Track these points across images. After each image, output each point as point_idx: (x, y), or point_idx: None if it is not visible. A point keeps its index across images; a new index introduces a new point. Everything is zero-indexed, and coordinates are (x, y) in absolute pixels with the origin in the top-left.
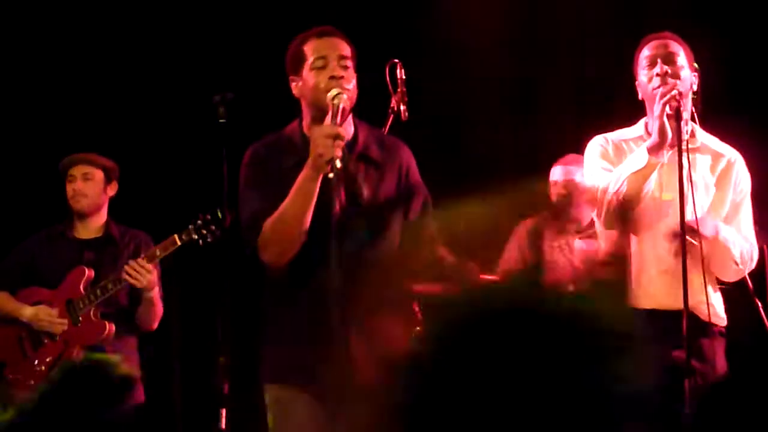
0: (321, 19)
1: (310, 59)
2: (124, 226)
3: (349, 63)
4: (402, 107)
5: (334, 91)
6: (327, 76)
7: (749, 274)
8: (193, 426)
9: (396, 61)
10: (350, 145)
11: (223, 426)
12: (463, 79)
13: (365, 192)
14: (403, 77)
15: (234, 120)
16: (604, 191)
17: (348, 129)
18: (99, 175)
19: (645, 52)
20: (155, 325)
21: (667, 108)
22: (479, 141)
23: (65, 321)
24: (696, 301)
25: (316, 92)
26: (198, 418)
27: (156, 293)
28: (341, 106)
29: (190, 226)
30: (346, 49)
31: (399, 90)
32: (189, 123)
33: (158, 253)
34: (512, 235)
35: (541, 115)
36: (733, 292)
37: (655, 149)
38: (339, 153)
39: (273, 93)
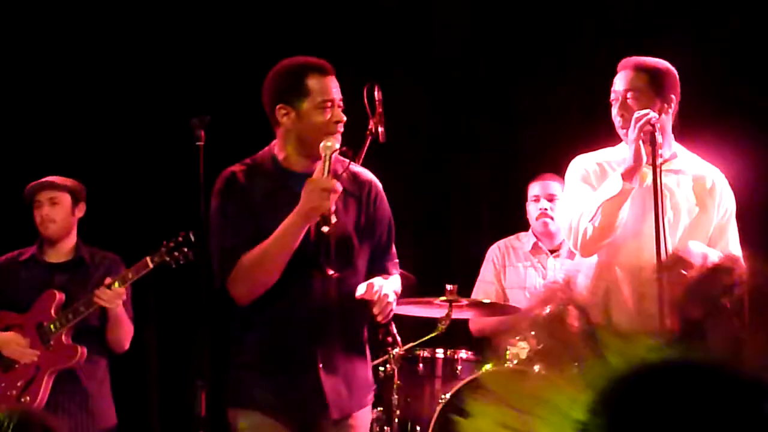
0: (298, 42)
1: (316, 98)
2: (94, 247)
3: (342, 102)
4: (380, 129)
5: (329, 142)
6: (332, 119)
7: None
8: None
9: (373, 82)
10: None
11: None
12: (441, 97)
13: (356, 243)
14: (381, 98)
15: (211, 142)
16: (579, 220)
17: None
18: (66, 198)
19: (615, 84)
20: (126, 345)
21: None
22: (458, 160)
23: (36, 352)
24: None
25: (316, 132)
26: None
27: (122, 311)
28: (333, 158)
29: (162, 249)
30: (339, 90)
31: (377, 111)
32: (166, 145)
33: (131, 276)
34: (486, 258)
35: (520, 133)
36: None
37: (629, 174)
38: (333, 207)
39: (250, 115)
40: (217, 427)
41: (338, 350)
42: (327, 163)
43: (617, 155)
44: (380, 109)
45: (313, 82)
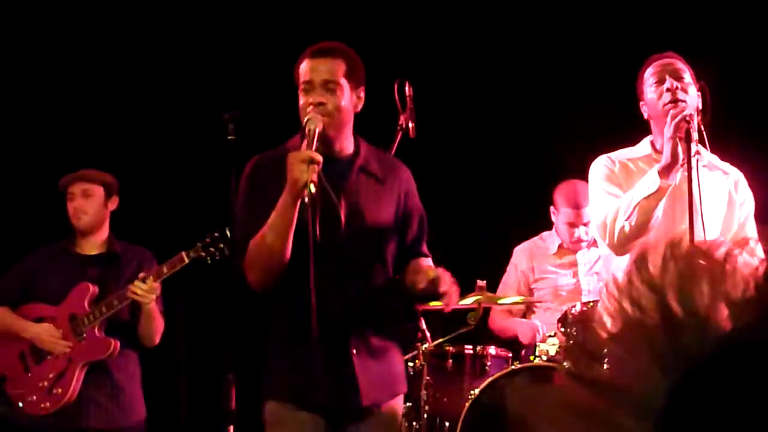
0: (330, 37)
1: (300, 81)
2: (126, 242)
3: (337, 84)
4: (410, 125)
5: (308, 117)
6: (308, 101)
7: None
8: None
9: (404, 78)
10: (351, 160)
11: None
12: (471, 96)
13: (343, 218)
14: (412, 95)
15: (242, 137)
16: (615, 218)
17: (347, 144)
18: (99, 191)
19: (651, 71)
20: (157, 340)
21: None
22: (486, 157)
23: (69, 343)
24: None
25: (300, 114)
26: None
27: (154, 306)
28: (316, 130)
29: (198, 244)
30: (335, 71)
31: (407, 107)
32: (198, 140)
33: (165, 270)
34: (510, 261)
35: (547, 132)
36: None
37: (666, 171)
38: (314, 177)
39: (282, 109)
40: (248, 421)
41: (369, 337)
42: (309, 136)
43: (639, 153)
44: (411, 105)
45: (303, 66)
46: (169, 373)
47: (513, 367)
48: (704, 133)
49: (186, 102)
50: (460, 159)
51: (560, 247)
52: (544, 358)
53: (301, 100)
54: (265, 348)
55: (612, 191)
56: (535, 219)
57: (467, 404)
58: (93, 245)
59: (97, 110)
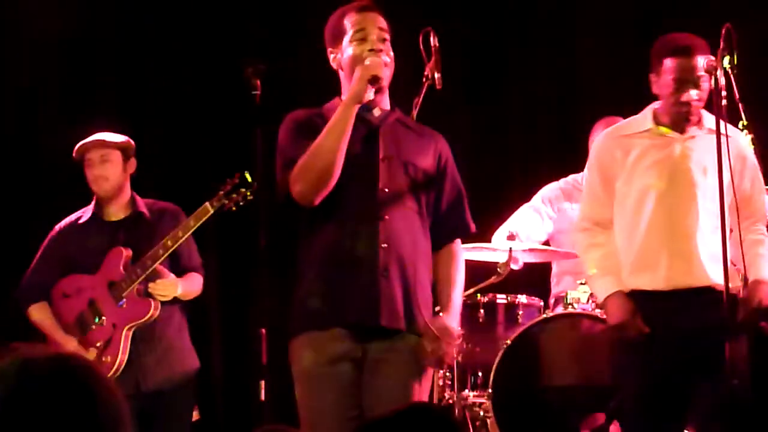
0: None
1: (350, 32)
2: (151, 199)
3: (387, 36)
4: (436, 75)
5: (369, 61)
6: (367, 48)
7: None
8: (232, 398)
9: (429, 29)
10: (388, 115)
11: (263, 398)
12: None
13: (381, 152)
14: (437, 45)
15: (266, 91)
16: (582, 258)
17: (385, 102)
18: (116, 155)
19: (672, 65)
20: (192, 296)
21: None
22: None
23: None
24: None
25: (355, 63)
26: (238, 390)
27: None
28: (382, 66)
29: (220, 192)
30: (384, 23)
31: (433, 58)
32: (221, 94)
33: (192, 223)
34: (538, 193)
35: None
36: None
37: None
38: (383, 73)
39: (307, 63)
40: (279, 376)
41: (401, 267)
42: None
43: (639, 126)
44: (437, 56)
45: (348, 19)
46: (202, 327)
47: (545, 315)
48: (732, 77)
49: (208, 54)
50: (484, 118)
51: None
52: (576, 306)
53: (354, 50)
54: (295, 292)
55: (602, 197)
56: (565, 168)
57: (500, 354)
58: (118, 210)
59: (119, 65)
